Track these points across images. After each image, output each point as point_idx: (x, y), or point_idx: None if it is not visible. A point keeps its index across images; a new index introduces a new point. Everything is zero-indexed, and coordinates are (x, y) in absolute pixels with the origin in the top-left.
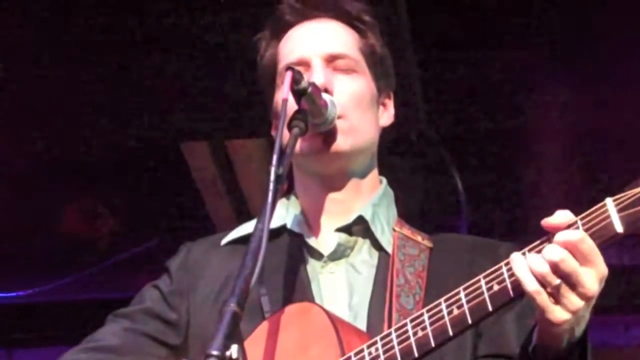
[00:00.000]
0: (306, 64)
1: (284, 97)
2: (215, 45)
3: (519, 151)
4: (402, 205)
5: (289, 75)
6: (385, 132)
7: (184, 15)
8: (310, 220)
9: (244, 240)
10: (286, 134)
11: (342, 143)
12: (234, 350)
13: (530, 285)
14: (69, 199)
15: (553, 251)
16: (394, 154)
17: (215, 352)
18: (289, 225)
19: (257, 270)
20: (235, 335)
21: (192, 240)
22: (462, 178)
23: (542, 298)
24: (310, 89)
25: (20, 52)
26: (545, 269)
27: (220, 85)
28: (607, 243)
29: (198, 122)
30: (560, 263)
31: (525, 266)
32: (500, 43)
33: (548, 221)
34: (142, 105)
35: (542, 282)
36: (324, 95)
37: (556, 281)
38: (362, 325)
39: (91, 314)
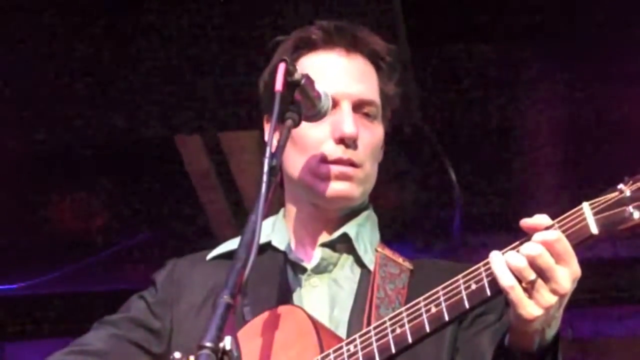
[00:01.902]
0: (334, 102)
1: (277, 88)
2: (211, 38)
3: (513, 144)
4: (398, 198)
5: (282, 67)
6: None
7: (178, 7)
8: (296, 238)
9: (229, 255)
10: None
11: (354, 191)
12: (227, 341)
13: (506, 280)
14: (61, 192)
15: (531, 247)
16: (389, 146)
17: (208, 344)
18: (273, 243)
19: (250, 261)
20: (228, 327)
21: (186, 234)
22: (456, 171)
23: (517, 292)
24: (303, 81)
25: (15, 45)
26: (522, 264)
27: (214, 78)
28: (583, 244)
29: (191, 115)
30: (537, 258)
31: (503, 262)
32: (495, 37)
33: (526, 221)
34: (136, 98)
35: (518, 277)
36: (317, 87)
37: (532, 276)
38: (342, 335)
39: (83, 307)
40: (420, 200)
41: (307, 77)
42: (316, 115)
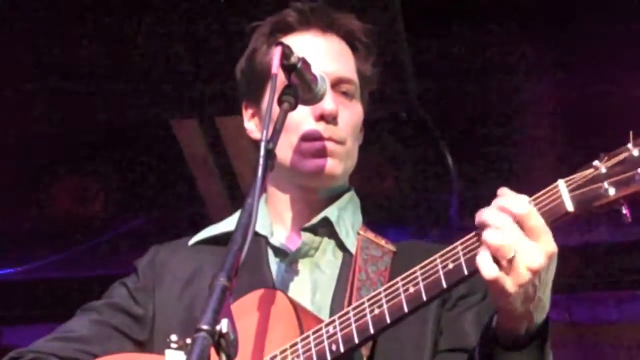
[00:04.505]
0: None
1: (274, 72)
2: (207, 25)
3: (510, 129)
4: (394, 183)
5: (278, 51)
6: (377, 110)
7: None
8: (278, 223)
9: (211, 241)
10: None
11: (336, 167)
12: (223, 324)
13: (491, 272)
14: (60, 176)
15: (500, 216)
16: (385, 130)
17: (205, 327)
18: (255, 227)
19: (246, 244)
20: (224, 309)
21: (183, 219)
22: (453, 155)
23: (501, 279)
24: (300, 65)
25: (15, 31)
26: (504, 241)
27: (212, 63)
28: (559, 221)
29: (188, 99)
30: (504, 228)
31: (485, 252)
32: (493, 20)
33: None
34: (134, 82)
35: (500, 255)
36: (314, 70)
37: (511, 254)
38: (324, 319)
39: (80, 292)
40: (416, 185)
41: (303, 60)
42: (313, 98)
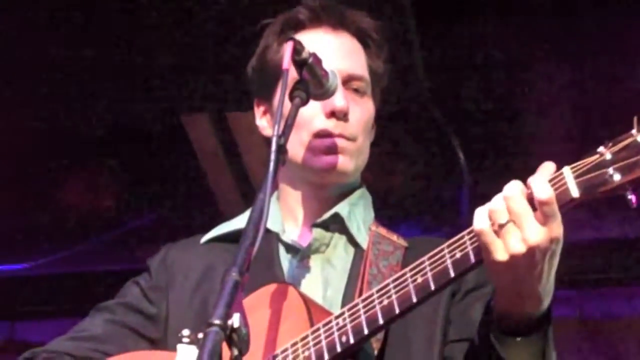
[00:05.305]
0: None
1: (285, 66)
2: (216, 17)
3: (521, 123)
4: (405, 178)
5: (290, 46)
6: (388, 104)
7: None
8: (289, 219)
9: (223, 238)
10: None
11: (347, 164)
12: (235, 319)
13: (478, 223)
14: (70, 172)
15: (508, 188)
16: (396, 126)
17: (217, 321)
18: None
19: (259, 239)
20: (236, 304)
21: (194, 214)
22: (464, 150)
23: (486, 236)
24: (311, 60)
25: (20, 30)
26: (497, 206)
27: (221, 57)
28: (565, 207)
29: (200, 93)
30: (509, 200)
31: (485, 207)
32: (503, 15)
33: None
34: (143, 77)
35: (492, 219)
36: (325, 65)
37: (502, 220)
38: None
39: (92, 287)
40: (428, 181)
41: (314, 55)
42: (324, 93)
